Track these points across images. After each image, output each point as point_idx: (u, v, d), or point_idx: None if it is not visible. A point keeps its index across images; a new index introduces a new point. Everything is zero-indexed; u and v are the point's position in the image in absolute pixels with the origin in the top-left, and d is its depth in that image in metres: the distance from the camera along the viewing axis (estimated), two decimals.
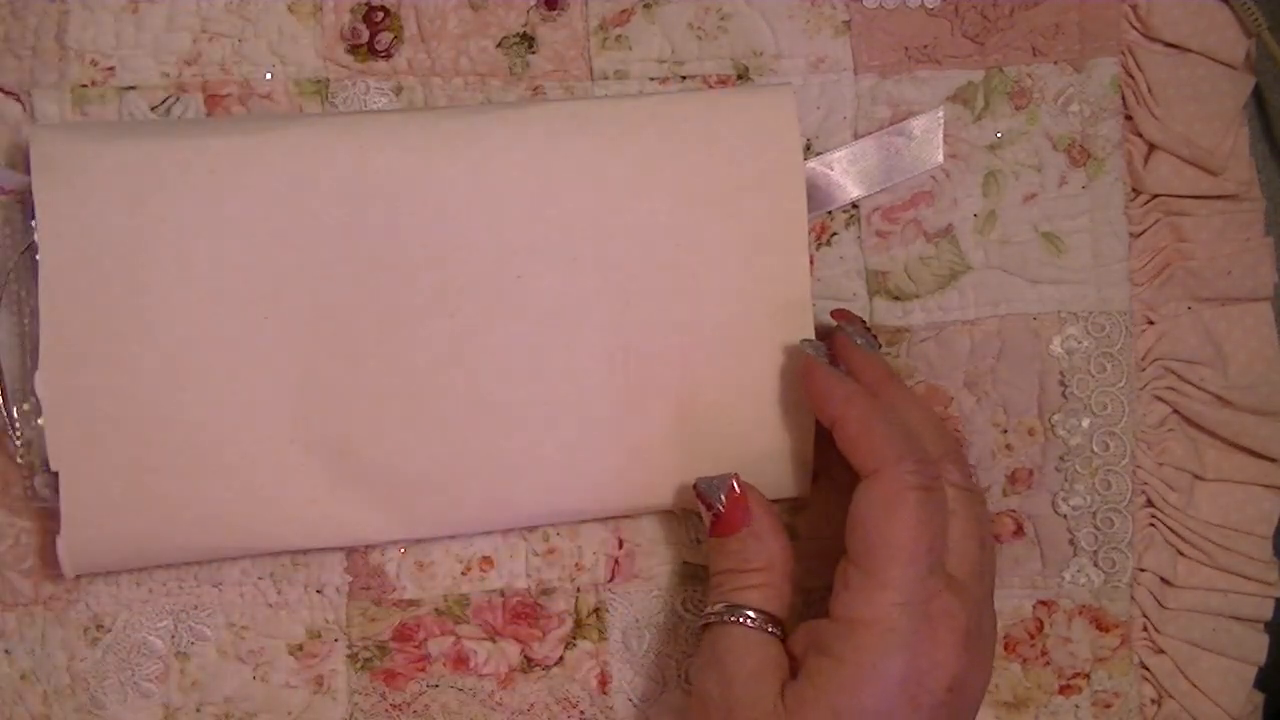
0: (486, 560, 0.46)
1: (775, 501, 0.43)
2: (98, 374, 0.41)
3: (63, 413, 0.40)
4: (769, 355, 0.44)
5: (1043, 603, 0.47)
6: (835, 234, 0.47)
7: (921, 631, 0.36)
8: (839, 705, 0.36)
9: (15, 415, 0.42)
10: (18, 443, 0.42)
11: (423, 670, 0.46)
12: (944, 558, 0.38)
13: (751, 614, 0.39)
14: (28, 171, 0.41)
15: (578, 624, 0.46)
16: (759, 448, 0.44)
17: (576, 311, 0.43)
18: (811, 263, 0.46)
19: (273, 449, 0.42)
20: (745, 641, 0.39)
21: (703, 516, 0.42)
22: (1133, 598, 0.47)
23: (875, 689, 0.36)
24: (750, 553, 0.40)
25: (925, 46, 0.47)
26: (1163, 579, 0.47)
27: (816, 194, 0.45)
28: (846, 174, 0.46)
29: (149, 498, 0.41)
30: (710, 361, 0.43)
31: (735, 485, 0.41)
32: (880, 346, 0.44)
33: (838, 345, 0.43)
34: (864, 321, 0.44)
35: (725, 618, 0.40)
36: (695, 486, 0.42)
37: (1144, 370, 0.47)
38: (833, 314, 0.44)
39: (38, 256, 0.40)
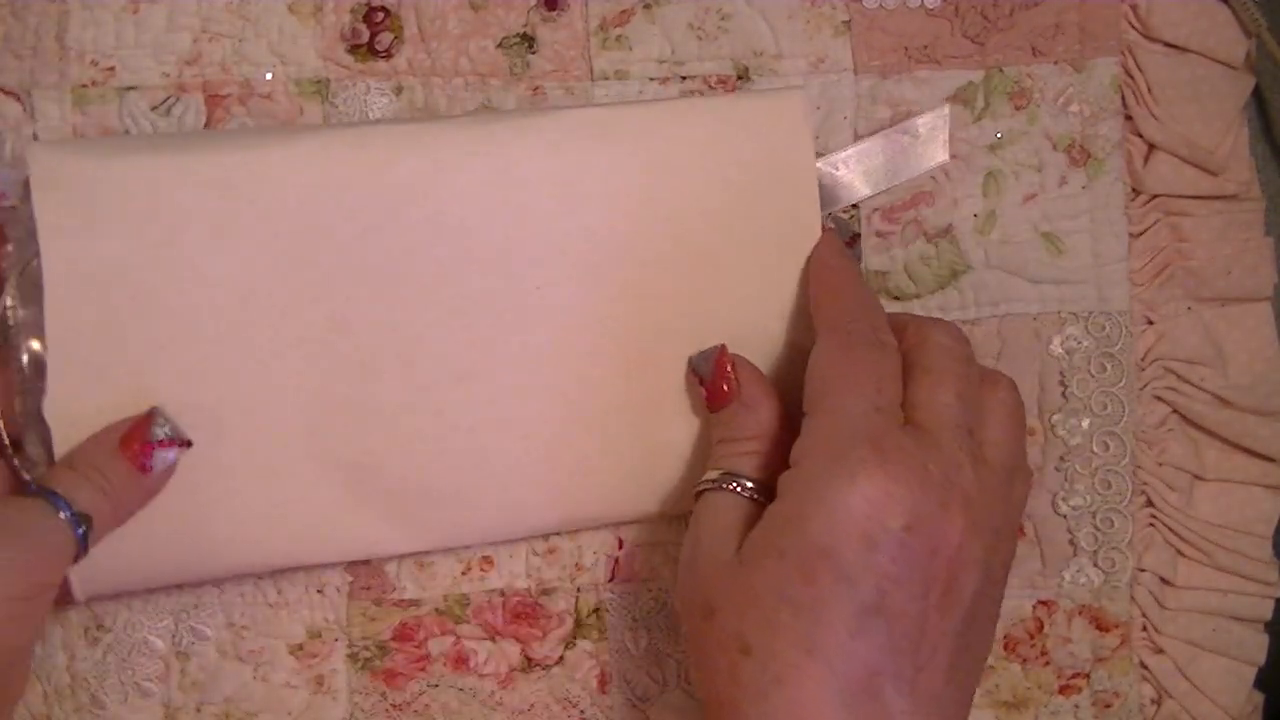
0: (486, 560, 0.46)
1: None
2: (107, 395, 0.40)
3: (72, 437, 0.39)
4: (787, 359, 0.43)
5: (1043, 603, 0.47)
6: None
7: (869, 462, 0.35)
8: (784, 544, 0.35)
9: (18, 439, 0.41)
10: (21, 469, 0.40)
11: (423, 670, 0.46)
12: (897, 404, 0.37)
13: (738, 481, 0.39)
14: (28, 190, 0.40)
15: (578, 624, 0.46)
16: None
17: (593, 321, 0.43)
18: None
19: (287, 465, 0.41)
20: (722, 503, 0.39)
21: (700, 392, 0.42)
22: (1133, 598, 0.47)
23: (820, 522, 0.34)
24: (741, 422, 0.40)
25: (925, 46, 0.47)
26: (1163, 579, 0.47)
27: (823, 194, 0.45)
28: (853, 173, 0.46)
29: (160, 516, 0.40)
30: None
31: (722, 358, 0.41)
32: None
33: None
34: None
35: (714, 485, 0.39)
36: (689, 362, 0.42)
37: (1144, 370, 0.47)
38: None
39: (40, 270, 0.39)
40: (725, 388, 0.41)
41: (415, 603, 0.45)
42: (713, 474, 0.40)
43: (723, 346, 0.42)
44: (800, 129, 0.43)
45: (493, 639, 0.46)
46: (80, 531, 0.37)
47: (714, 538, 0.38)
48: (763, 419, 0.40)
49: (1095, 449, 0.47)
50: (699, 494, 0.40)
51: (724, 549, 0.37)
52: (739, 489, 0.39)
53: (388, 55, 0.45)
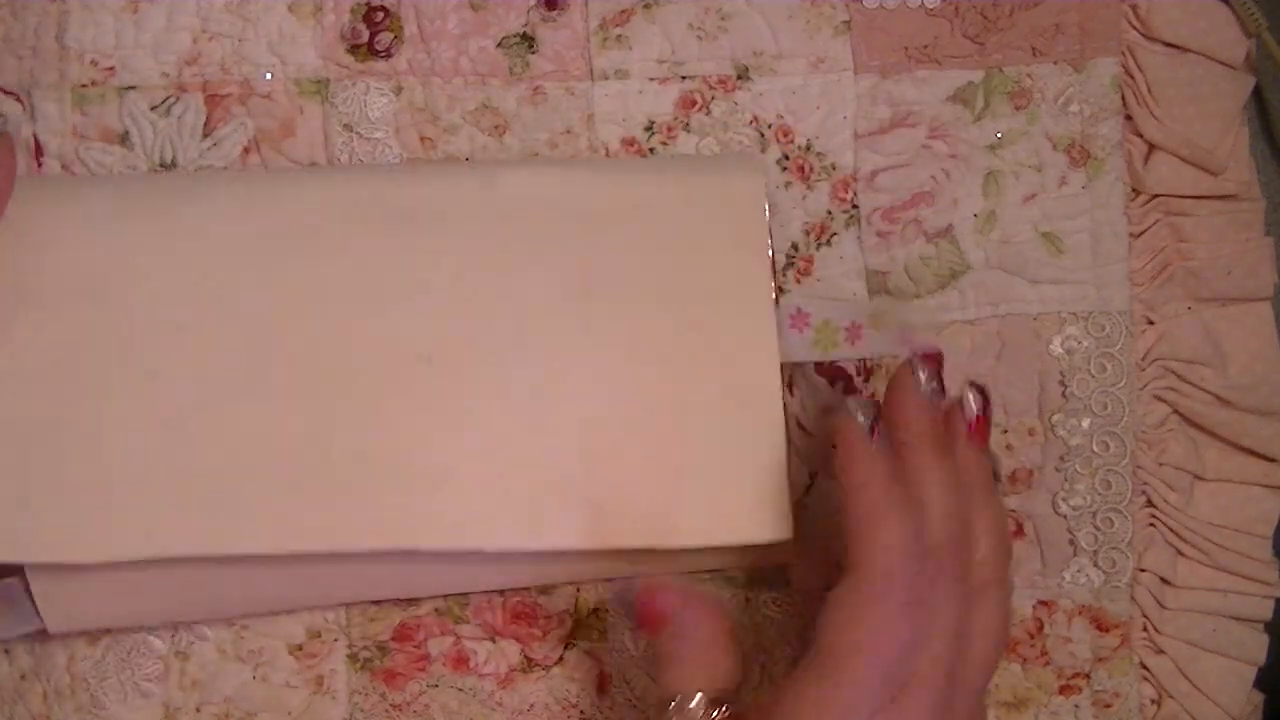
0: None
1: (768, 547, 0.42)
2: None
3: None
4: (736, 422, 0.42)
5: (1043, 603, 0.47)
6: (835, 234, 0.47)
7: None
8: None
9: None
10: None
11: (423, 670, 0.46)
12: (912, 665, 0.36)
13: (698, 702, 0.37)
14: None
15: (578, 624, 0.46)
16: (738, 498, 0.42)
17: (547, 387, 0.41)
18: (811, 263, 0.47)
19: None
20: None
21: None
22: (1133, 598, 0.47)
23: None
24: (680, 646, 0.38)
25: (925, 46, 0.47)
26: (1163, 579, 0.47)
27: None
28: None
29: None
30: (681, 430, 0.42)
31: (643, 596, 0.39)
32: (945, 394, 0.40)
33: (895, 382, 0.40)
34: (939, 363, 0.40)
35: (677, 713, 0.37)
36: (610, 595, 0.41)
37: (1144, 370, 0.47)
38: (915, 349, 0.41)
39: None
40: (655, 621, 0.39)
41: (415, 603, 0.45)
42: (667, 701, 0.38)
43: (641, 582, 0.39)
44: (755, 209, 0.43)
45: (493, 639, 0.46)
46: None
47: None
48: (701, 637, 0.38)
49: (1095, 449, 0.47)
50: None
51: None
52: (697, 712, 0.37)
53: (388, 55, 0.45)
